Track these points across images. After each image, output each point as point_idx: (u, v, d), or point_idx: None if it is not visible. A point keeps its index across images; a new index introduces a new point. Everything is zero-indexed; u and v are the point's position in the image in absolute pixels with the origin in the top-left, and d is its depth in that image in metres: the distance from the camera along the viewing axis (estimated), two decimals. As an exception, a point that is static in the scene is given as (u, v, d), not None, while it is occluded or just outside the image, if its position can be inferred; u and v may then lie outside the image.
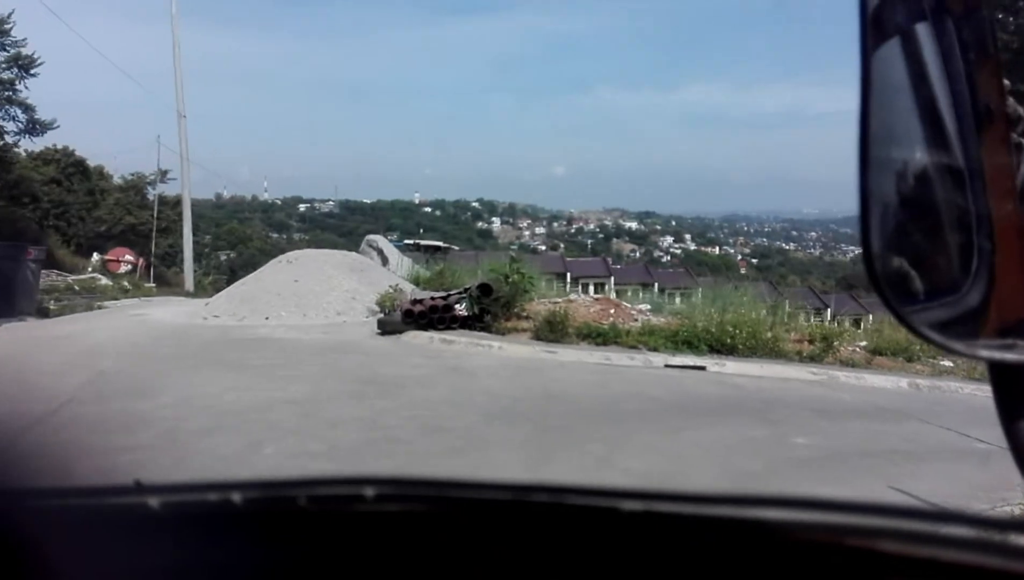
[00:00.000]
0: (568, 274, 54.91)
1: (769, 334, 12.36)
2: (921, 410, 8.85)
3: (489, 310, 13.21)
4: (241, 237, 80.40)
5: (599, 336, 12.38)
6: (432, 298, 13.33)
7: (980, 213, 0.77)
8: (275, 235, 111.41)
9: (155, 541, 0.61)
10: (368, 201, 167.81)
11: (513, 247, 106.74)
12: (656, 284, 49.04)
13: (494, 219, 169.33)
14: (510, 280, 13.75)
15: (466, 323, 13.16)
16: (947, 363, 12.21)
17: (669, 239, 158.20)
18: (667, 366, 11.20)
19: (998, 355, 0.76)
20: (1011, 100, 0.80)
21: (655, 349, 11.91)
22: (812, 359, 12.04)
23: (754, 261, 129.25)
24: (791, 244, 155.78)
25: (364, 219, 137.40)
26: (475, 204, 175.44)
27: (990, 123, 0.77)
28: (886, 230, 0.72)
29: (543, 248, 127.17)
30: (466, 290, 13.50)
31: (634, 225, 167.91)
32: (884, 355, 12.55)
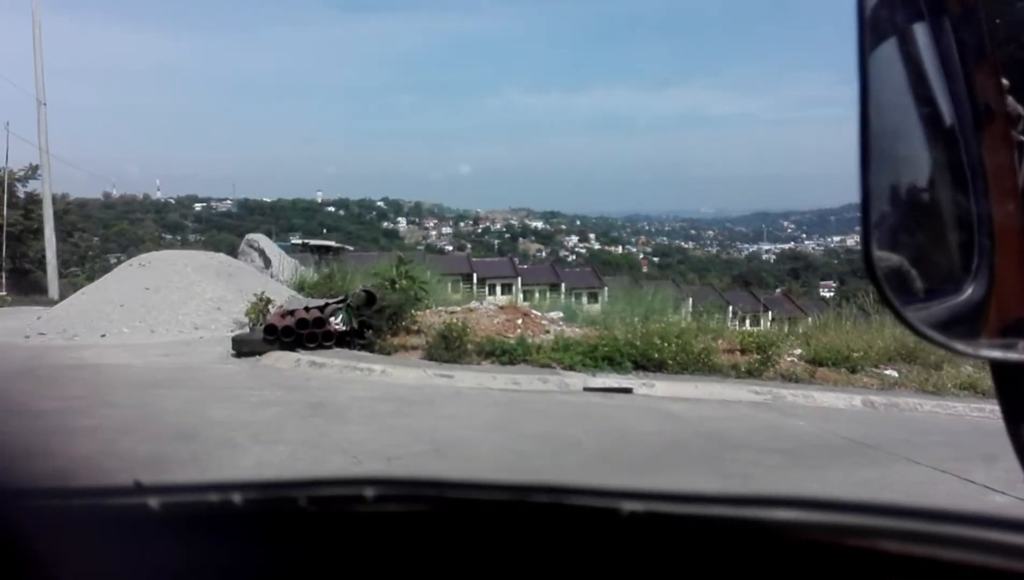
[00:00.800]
0: (475, 275, 52.93)
1: (699, 345, 10.46)
2: (895, 441, 7.09)
3: (371, 324, 10.76)
4: (132, 238, 75.32)
5: (505, 353, 10.13)
6: (306, 309, 10.77)
7: (981, 212, 0.75)
8: (169, 236, 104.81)
9: (155, 541, 0.60)
10: (268, 200, 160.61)
11: (419, 247, 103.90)
12: (563, 284, 47.76)
13: (400, 219, 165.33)
14: (398, 286, 11.37)
15: (344, 340, 10.70)
16: (892, 373, 10.67)
17: (574, 238, 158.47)
18: (586, 389, 9.10)
19: (1001, 355, 0.75)
20: (1011, 98, 0.77)
21: (571, 367, 9.79)
22: (750, 374, 10.20)
23: (655, 260, 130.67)
24: (690, 242, 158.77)
25: (263, 219, 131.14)
26: (380, 203, 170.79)
27: (990, 122, 0.76)
28: (886, 229, 0.71)
29: (450, 248, 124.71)
30: (343, 300, 11.02)
31: (540, 225, 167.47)
32: (825, 365, 10.86)
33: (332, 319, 10.66)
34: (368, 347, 10.58)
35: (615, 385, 9.21)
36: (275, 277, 17.32)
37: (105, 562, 0.59)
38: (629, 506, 0.53)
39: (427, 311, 11.92)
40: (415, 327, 11.25)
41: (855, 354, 10.91)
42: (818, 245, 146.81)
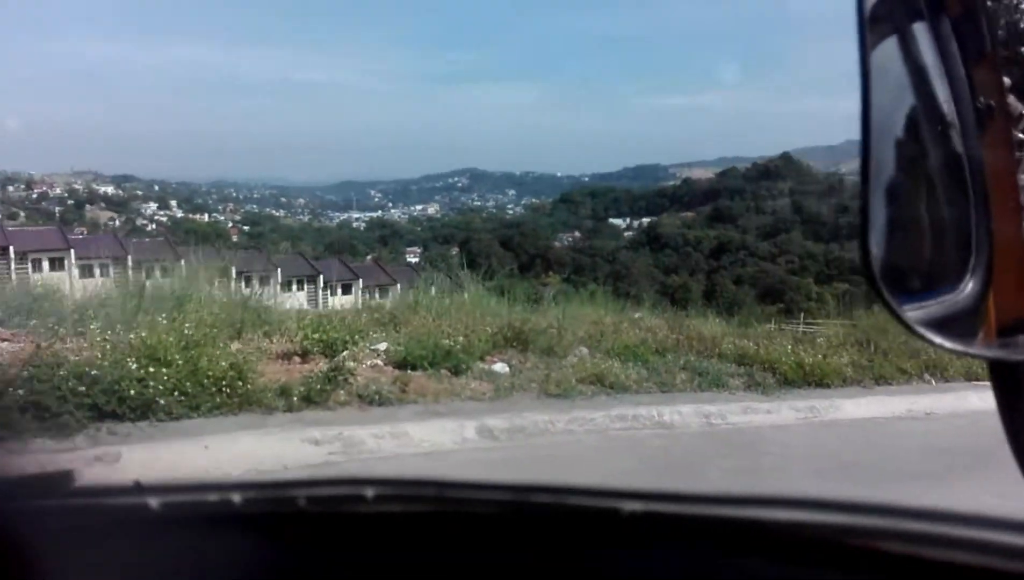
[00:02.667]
0: (11, 249, 41.04)
1: (227, 360, 6.08)
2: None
3: None
4: None
5: None
6: None
7: (979, 211, 0.74)
8: None
9: (155, 541, 0.59)
10: None
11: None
12: (130, 257, 39.14)
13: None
14: None
15: None
16: (502, 368, 7.60)
17: (153, 206, 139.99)
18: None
19: (999, 354, 0.75)
20: (1012, 97, 0.77)
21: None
22: (309, 401, 6.15)
23: (246, 228, 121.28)
24: (280, 210, 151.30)
25: None
26: None
27: (990, 121, 0.74)
28: (885, 228, 0.69)
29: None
30: None
31: (111, 190, 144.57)
32: (420, 367, 7.35)
33: None
34: None
35: None
36: None
37: (105, 561, 0.57)
38: (629, 506, 0.52)
39: None
40: None
41: (456, 346, 7.61)
42: (403, 213, 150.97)
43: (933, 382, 8.72)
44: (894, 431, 6.48)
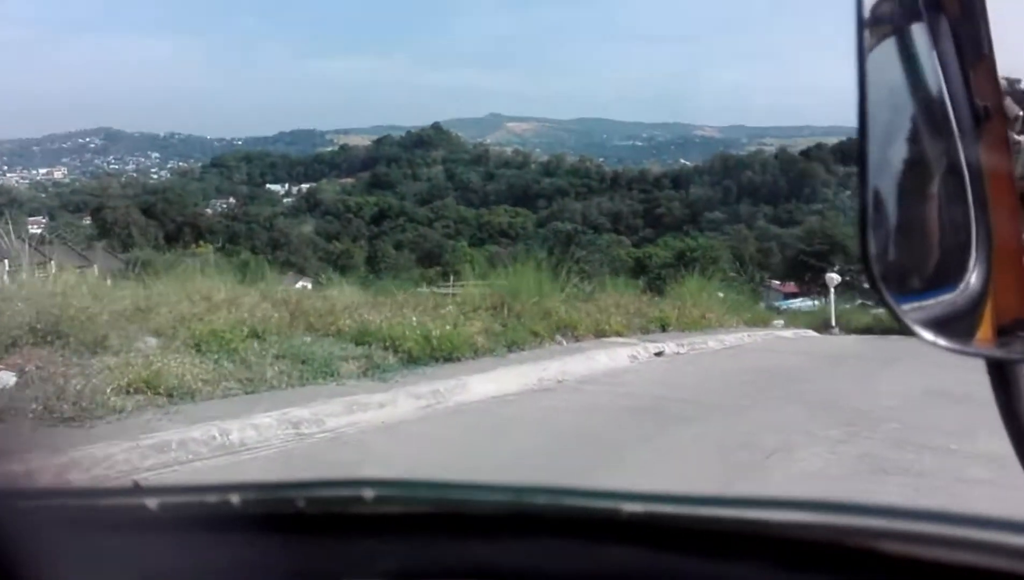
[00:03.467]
0: None
1: None
2: None
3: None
4: None
5: None
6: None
7: (977, 210, 0.74)
8: None
9: (153, 543, 0.59)
10: None
11: None
12: None
13: None
14: None
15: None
16: (6, 377, 5.21)
17: None
18: None
19: (997, 354, 0.74)
20: (1008, 99, 0.76)
21: None
22: None
23: None
24: None
25: None
26: None
27: (987, 121, 0.74)
28: (884, 228, 0.69)
29: None
30: None
31: None
32: None
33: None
34: None
35: None
36: None
37: (103, 563, 0.57)
38: (629, 507, 0.52)
39: None
40: None
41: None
42: (23, 178, 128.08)
43: (564, 342, 8.20)
44: (523, 412, 5.50)
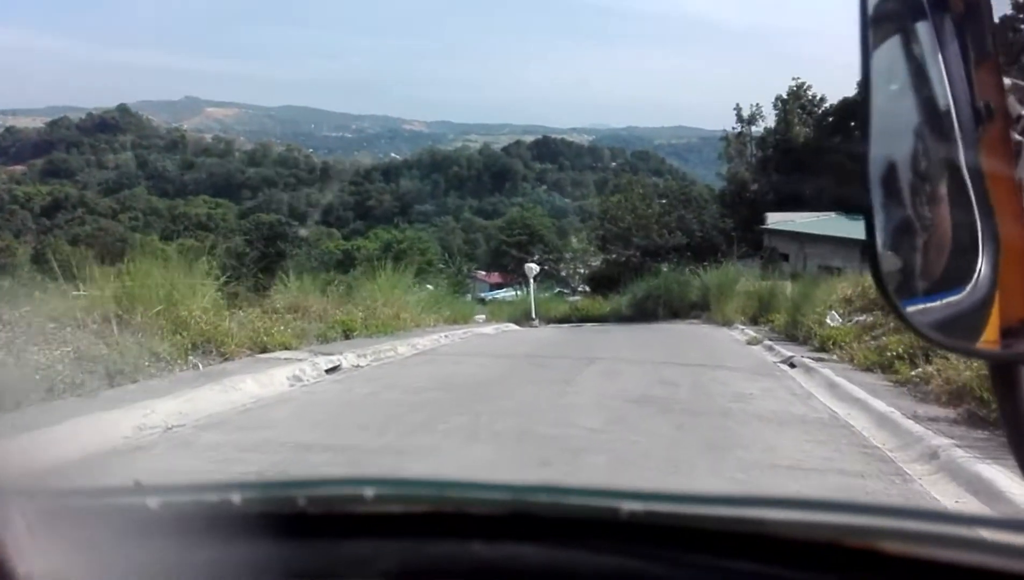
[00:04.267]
0: None
1: None
2: None
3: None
4: None
5: None
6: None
7: (982, 212, 0.72)
8: None
9: (154, 542, 0.57)
10: None
11: None
12: None
13: None
14: None
15: None
16: None
17: None
18: None
19: (1002, 355, 0.72)
20: (1011, 98, 0.74)
21: None
22: None
23: None
24: None
25: None
26: None
27: (990, 121, 0.72)
28: (890, 230, 0.68)
29: None
30: None
31: None
32: None
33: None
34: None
35: None
36: None
37: (103, 563, 0.56)
38: (629, 506, 0.51)
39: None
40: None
41: None
42: None
43: (201, 365, 6.14)
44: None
